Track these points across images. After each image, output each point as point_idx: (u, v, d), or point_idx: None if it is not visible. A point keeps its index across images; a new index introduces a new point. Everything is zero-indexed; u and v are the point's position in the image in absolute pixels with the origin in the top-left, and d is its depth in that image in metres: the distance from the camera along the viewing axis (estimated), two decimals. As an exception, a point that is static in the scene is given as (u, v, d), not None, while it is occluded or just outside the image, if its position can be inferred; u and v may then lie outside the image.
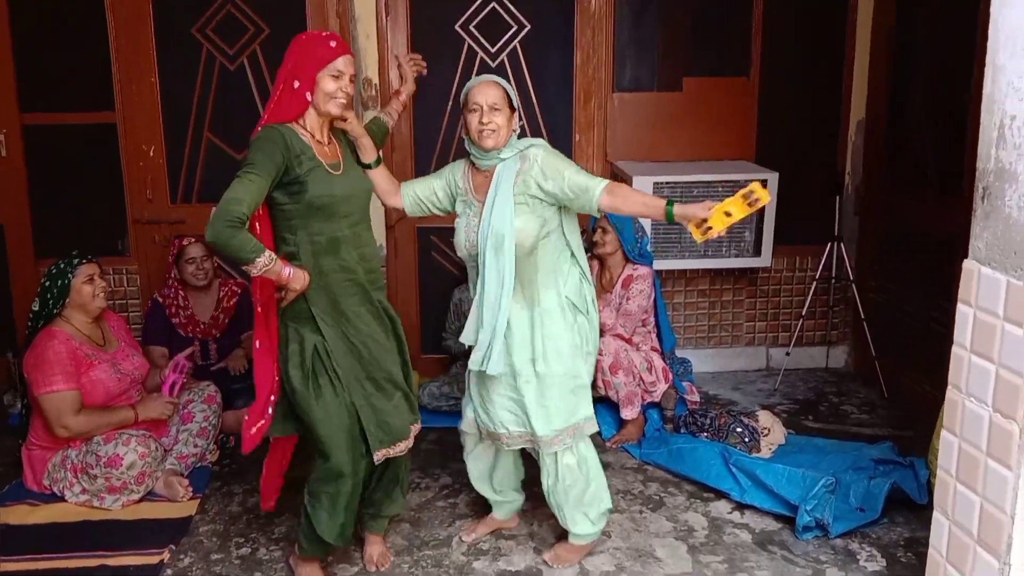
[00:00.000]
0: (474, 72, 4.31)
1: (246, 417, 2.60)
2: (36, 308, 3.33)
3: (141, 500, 3.28)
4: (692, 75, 4.42)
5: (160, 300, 4.01)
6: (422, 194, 2.86)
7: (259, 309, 2.54)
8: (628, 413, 3.79)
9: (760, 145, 4.50)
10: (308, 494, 2.68)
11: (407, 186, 2.87)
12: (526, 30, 4.31)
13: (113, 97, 4.18)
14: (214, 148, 4.30)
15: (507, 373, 2.74)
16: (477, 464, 3.04)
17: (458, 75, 4.32)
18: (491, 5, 4.27)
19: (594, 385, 3.92)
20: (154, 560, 2.91)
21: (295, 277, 2.43)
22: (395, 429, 2.70)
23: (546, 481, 2.86)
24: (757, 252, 4.34)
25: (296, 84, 2.47)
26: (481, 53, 4.32)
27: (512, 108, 2.69)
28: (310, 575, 2.78)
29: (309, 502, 2.67)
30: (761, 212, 4.25)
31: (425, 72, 3.07)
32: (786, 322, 4.72)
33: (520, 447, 2.86)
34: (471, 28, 4.28)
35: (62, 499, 3.29)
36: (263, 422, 2.60)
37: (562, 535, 3.01)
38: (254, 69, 4.23)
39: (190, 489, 3.33)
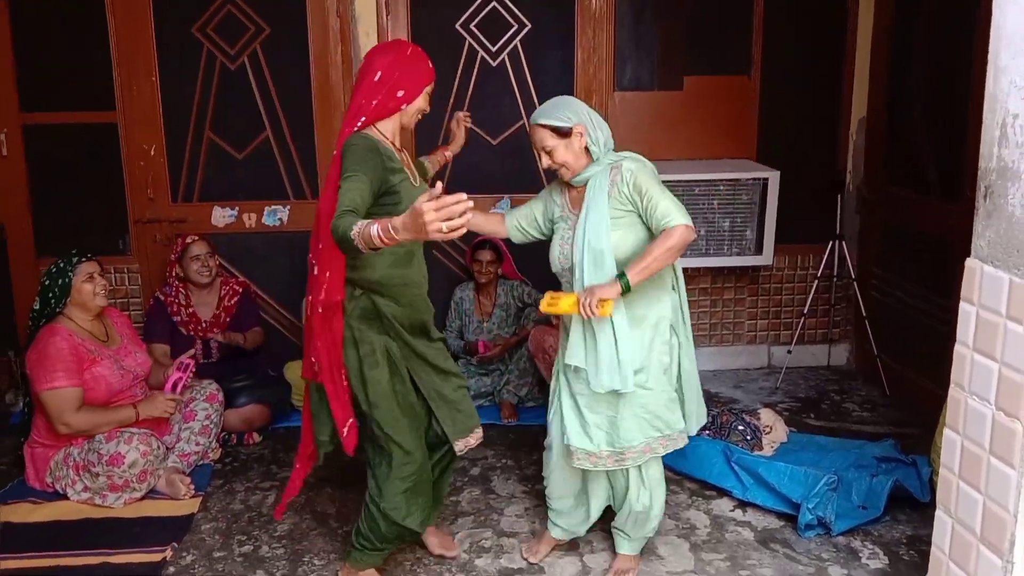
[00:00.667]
0: (475, 72, 4.32)
1: (342, 427, 2.59)
2: (37, 307, 3.33)
3: (143, 498, 3.29)
4: (693, 74, 4.42)
5: (162, 298, 4.02)
6: (524, 222, 2.88)
7: (320, 311, 2.46)
8: None
9: (761, 143, 4.50)
10: (377, 498, 2.64)
11: (510, 216, 2.90)
12: (527, 29, 4.31)
13: (114, 96, 4.18)
14: (215, 147, 4.30)
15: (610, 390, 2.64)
16: (567, 482, 2.91)
17: (458, 75, 4.32)
18: (491, 4, 4.27)
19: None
20: (156, 558, 2.91)
21: (398, 227, 1.98)
22: (469, 418, 2.75)
23: (630, 494, 2.79)
24: (759, 250, 4.34)
25: (401, 93, 2.47)
26: (482, 52, 4.32)
27: (566, 134, 2.61)
28: None
29: (381, 506, 2.62)
30: (763, 210, 4.25)
31: (469, 123, 3.21)
32: (788, 320, 4.73)
33: (606, 468, 2.74)
34: (472, 27, 4.28)
35: (64, 497, 3.29)
36: (352, 419, 2.59)
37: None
38: (255, 69, 4.23)
39: (192, 487, 3.33)
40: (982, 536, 1.97)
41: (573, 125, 2.61)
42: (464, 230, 1.86)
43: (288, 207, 4.38)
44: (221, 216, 4.35)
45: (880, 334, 4.40)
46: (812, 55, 4.48)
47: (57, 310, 3.31)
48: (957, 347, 2.07)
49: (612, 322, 2.58)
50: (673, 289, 2.75)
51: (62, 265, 3.32)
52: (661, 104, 4.38)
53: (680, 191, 4.12)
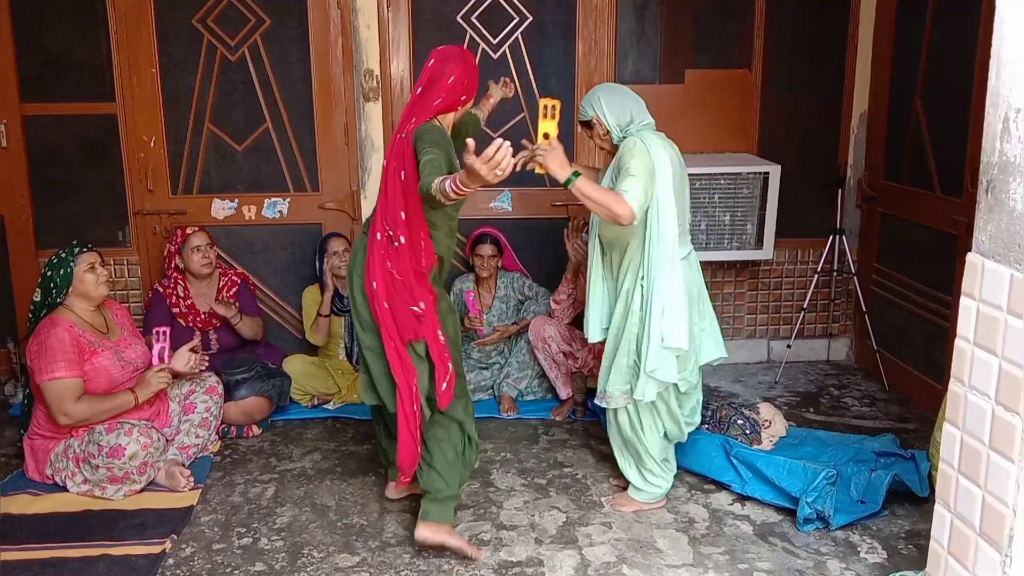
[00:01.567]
0: (476, 63, 4.30)
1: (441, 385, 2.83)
2: (38, 298, 3.33)
3: (143, 490, 3.29)
4: (694, 67, 4.41)
5: (161, 290, 4.02)
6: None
7: (413, 276, 2.78)
8: None
9: (762, 137, 4.49)
10: (438, 461, 2.90)
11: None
12: (528, 21, 4.30)
13: (114, 88, 4.17)
14: (215, 139, 4.29)
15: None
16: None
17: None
18: (493, -4, 4.26)
19: (584, 373, 3.95)
20: (156, 550, 2.92)
21: (465, 177, 2.34)
22: None
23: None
24: (759, 244, 4.34)
25: (464, 97, 2.90)
26: (483, 44, 4.31)
27: (588, 125, 3.11)
28: (451, 536, 2.90)
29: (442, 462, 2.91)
30: (763, 204, 4.24)
31: (511, 95, 3.57)
32: (787, 314, 4.73)
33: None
34: (473, 19, 4.27)
35: (64, 489, 3.29)
36: (450, 374, 2.84)
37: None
38: (255, 60, 4.22)
39: (192, 479, 3.34)
40: (981, 530, 1.98)
41: (591, 117, 3.08)
42: (511, 165, 2.23)
43: (288, 199, 4.37)
44: (221, 208, 4.35)
45: (880, 329, 4.40)
46: (814, 49, 4.47)
47: (58, 300, 3.31)
48: (958, 342, 2.06)
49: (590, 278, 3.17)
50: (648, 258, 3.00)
51: (63, 255, 3.31)
52: (662, 97, 4.37)
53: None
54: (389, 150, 2.84)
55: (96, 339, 3.32)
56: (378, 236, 2.78)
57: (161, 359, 3.39)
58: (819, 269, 4.51)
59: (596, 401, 3.20)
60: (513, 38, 4.31)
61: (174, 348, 3.49)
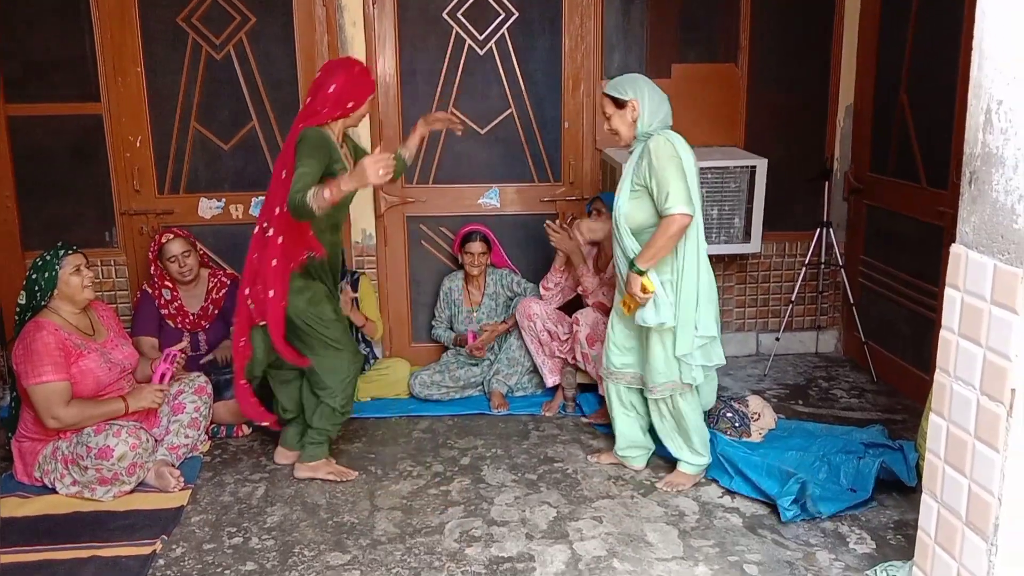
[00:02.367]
0: (462, 60, 4.30)
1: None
2: (23, 301, 3.31)
3: (133, 491, 3.28)
4: (681, 62, 4.42)
5: (149, 291, 3.99)
6: None
7: (277, 264, 3.12)
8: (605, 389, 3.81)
9: (749, 131, 4.51)
10: (328, 398, 3.37)
11: None
12: (514, 17, 4.30)
13: (99, 88, 4.15)
14: (201, 138, 4.28)
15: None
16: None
17: (446, 63, 4.31)
18: (479, -8, 4.26)
19: (571, 362, 3.96)
20: (146, 551, 2.91)
21: (344, 181, 2.87)
22: None
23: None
24: (747, 238, 4.34)
25: (350, 104, 3.15)
26: (469, 40, 4.30)
27: (620, 104, 3.05)
28: (323, 467, 3.45)
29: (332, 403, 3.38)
30: (751, 198, 4.25)
31: (459, 131, 3.73)
32: (776, 307, 4.74)
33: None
34: (459, 15, 4.27)
35: (53, 491, 3.28)
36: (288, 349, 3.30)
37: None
38: (240, 58, 4.21)
39: (182, 479, 3.33)
40: (967, 520, 1.99)
41: (629, 99, 3.03)
42: (390, 175, 2.81)
43: (275, 198, 4.36)
44: (208, 207, 4.33)
45: (867, 321, 4.42)
46: (799, 43, 4.49)
47: (42, 303, 3.29)
48: (942, 332, 2.07)
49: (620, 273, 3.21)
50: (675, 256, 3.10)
51: (48, 258, 3.29)
52: (649, 92, 4.37)
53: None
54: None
55: (82, 341, 3.31)
56: (255, 229, 3.19)
57: (162, 379, 3.40)
58: (807, 262, 4.53)
59: (648, 395, 3.30)
60: (499, 34, 4.31)
61: (163, 347, 3.48)
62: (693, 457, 3.33)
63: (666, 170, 2.93)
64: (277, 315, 3.16)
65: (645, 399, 3.35)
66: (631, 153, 3.16)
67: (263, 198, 4.27)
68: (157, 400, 3.39)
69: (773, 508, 3.15)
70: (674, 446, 3.35)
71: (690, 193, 2.98)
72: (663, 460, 3.54)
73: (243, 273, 3.28)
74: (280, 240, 3.10)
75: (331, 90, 3.09)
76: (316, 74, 3.19)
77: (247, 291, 3.22)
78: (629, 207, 3.08)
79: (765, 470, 3.20)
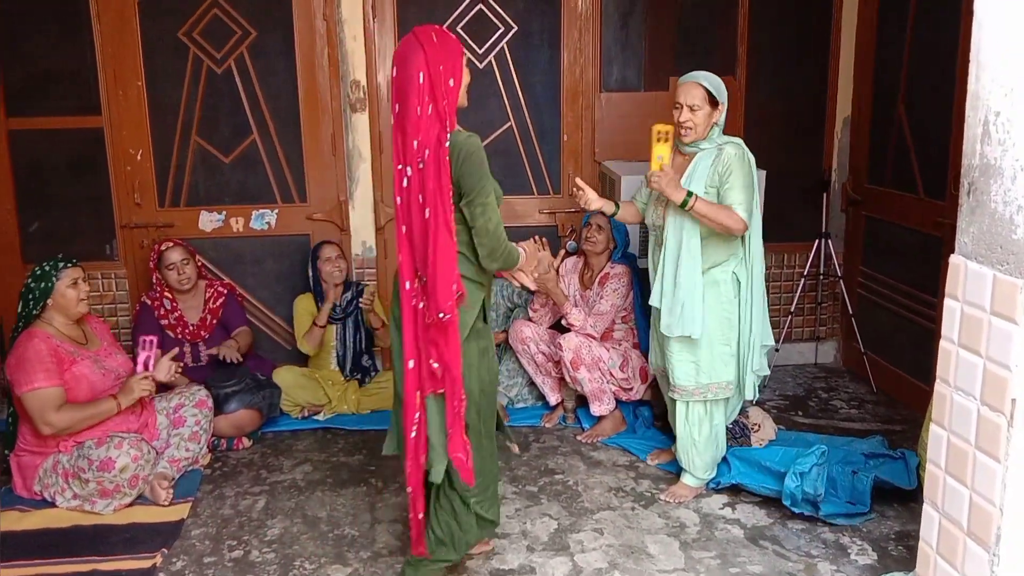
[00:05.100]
0: (462, 73, 4.31)
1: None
2: (19, 310, 3.32)
3: (132, 504, 3.27)
4: (679, 74, 4.41)
5: (148, 303, 4.00)
6: (641, 198, 3.44)
7: (445, 316, 2.38)
8: (596, 408, 3.81)
9: (747, 143, 4.46)
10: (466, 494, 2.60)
11: (636, 199, 3.47)
12: (513, 31, 4.32)
13: (100, 101, 4.16)
14: (202, 152, 4.29)
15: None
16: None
17: (446, 76, 4.32)
18: (478, 6, 4.28)
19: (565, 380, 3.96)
20: (146, 564, 2.90)
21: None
22: None
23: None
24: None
25: (451, 82, 2.37)
26: (468, 54, 4.32)
27: (715, 104, 3.09)
28: None
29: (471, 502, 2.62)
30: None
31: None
32: (775, 318, 4.72)
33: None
34: (458, 29, 4.29)
35: (53, 505, 3.27)
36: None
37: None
38: (241, 72, 4.23)
39: (171, 493, 3.31)
40: (969, 530, 1.99)
41: (723, 101, 3.12)
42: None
43: (276, 211, 4.37)
44: (208, 221, 4.34)
45: (866, 331, 4.42)
46: (797, 55, 4.51)
47: (35, 312, 3.29)
48: (942, 343, 2.08)
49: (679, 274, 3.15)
50: (743, 258, 3.22)
51: (47, 268, 3.30)
52: (647, 105, 4.40)
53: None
54: (403, 186, 2.41)
55: (75, 349, 3.31)
56: (406, 286, 2.45)
57: (146, 367, 3.39)
58: (806, 273, 4.54)
59: (672, 396, 3.33)
60: (499, 48, 4.33)
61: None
62: (704, 472, 3.34)
63: (743, 179, 3.07)
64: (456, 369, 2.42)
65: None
66: (683, 156, 3.20)
67: (264, 211, 4.34)
68: (146, 388, 3.36)
69: (775, 519, 3.15)
70: (687, 457, 3.34)
71: (752, 208, 3.13)
72: (664, 472, 3.54)
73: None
74: (455, 277, 2.41)
75: (421, 79, 2.33)
76: (392, 72, 2.42)
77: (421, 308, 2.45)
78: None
79: (780, 454, 3.30)
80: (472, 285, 2.52)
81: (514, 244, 2.59)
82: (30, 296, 3.29)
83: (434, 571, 2.68)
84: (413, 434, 2.49)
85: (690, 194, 3.02)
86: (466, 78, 2.44)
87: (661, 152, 3.05)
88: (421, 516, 2.57)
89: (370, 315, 4.18)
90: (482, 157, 2.40)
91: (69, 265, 3.33)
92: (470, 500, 2.60)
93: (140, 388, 3.34)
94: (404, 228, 2.43)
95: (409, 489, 2.55)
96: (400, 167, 2.40)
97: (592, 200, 3.26)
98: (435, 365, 2.41)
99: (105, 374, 3.36)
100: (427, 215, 2.35)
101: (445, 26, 4.25)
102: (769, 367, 4.50)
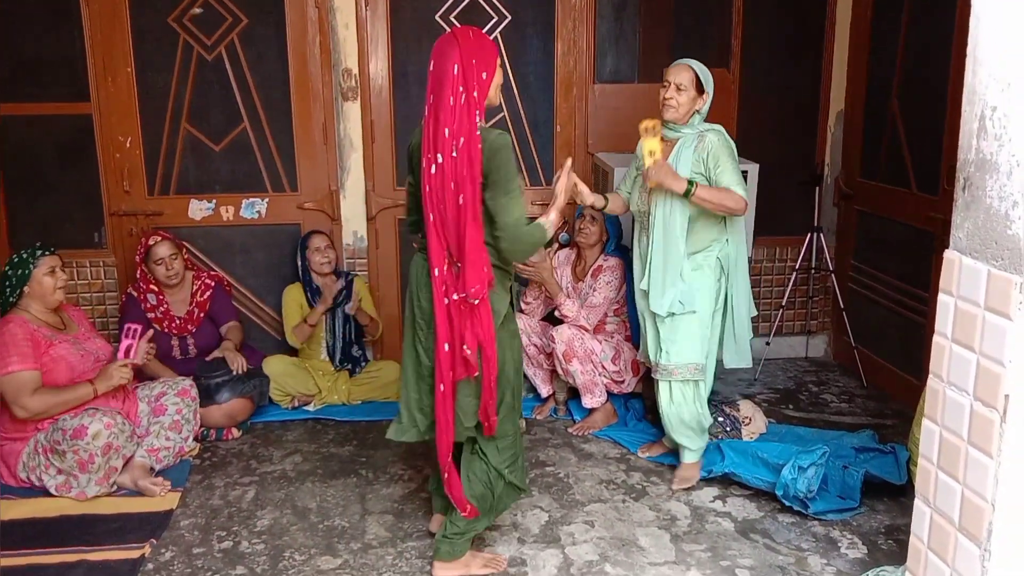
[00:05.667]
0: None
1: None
2: None
3: (117, 493, 3.25)
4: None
5: (135, 294, 3.96)
6: (629, 186, 3.45)
7: (476, 301, 2.50)
8: (588, 401, 3.81)
9: (740, 136, 4.48)
10: (502, 468, 2.73)
11: (621, 189, 3.49)
12: (507, 20, 4.29)
13: (89, 88, 4.12)
14: (192, 139, 4.25)
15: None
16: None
17: (438, 66, 4.29)
18: (472, -5, 4.25)
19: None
20: (135, 554, 2.89)
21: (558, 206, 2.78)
22: None
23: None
24: (738, 243, 4.34)
25: (484, 75, 2.51)
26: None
27: (700, 91, 3.15)
28: (468, 567, 2.81)
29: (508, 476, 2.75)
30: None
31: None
32: (766, 312, 4.75)
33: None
34: (451, 18, 4.26)
35: (40, 493, 3.25)
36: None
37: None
38: (232, 60, 4.19)
39: (167, 484, 3.30)
40: (960, 525, 1.99)
41: (708, 90, 3.18)
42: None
43: (267, 200, 4.34)
44: (198, 209, 4.31)
45: (857, 326, 4.43)
46: (791, 48, 4.50)
47: (11, 299, 3.29)
48: (936, 338, 2.08)
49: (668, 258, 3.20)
50: (727, 242, 3.28)
51: (25, 256, 3.31)
52: (641, 97, 4.38)
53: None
54: (431, 173, 2.49)
55: (52, 333, 3.32)
56: (436, 272, 2.52)
57: (127, 354, 3.37)
58: (797, 267, 4.54)
59: (655, 376, 3.37)
60: (493, 37, 4.30)
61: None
62: (696, 443, 3.39)
63: (732, 162, 3.14)
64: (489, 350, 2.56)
65: None
66: (668, 142, 3.23)
67: (254, 200, 4.31)
68: (125, 376, 3.34)
69: (766, 512, 3.15)
70: (685, 438, 3.38)
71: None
72: (655, 465, 3.54)
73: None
74: (487, 265, 2.53)
75: (456, 71, 2.45)
76: (430, 67, 2.52)
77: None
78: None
79: (779, 449, 3.33)
80: (499, 273, 2.62)
81: (538, 226, 2.64)
82: (7, 283, 3.28)
83: (467, 541, 2.79)
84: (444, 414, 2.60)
85: (691, 183, 3.06)
86: (499, 77, 2.59)
87: (652, 147, 3.10)
88: (455, 488, 2.68)
89: (359, 312, 4.17)
90: (510, 154, 2.52)
91: (47, 253, 3.33)
92: (503, 470, 2.73)
93: (119, 375, 3.32)
94: (432, 216, 2.52)
95: (444, 472, 2.66)
96: (430, 155, 2.49)
97: (585, 195, 3.26)
98: (468, 352, 2.51)
99: (84, 355, 3.35)
100: (460, 201, 2.46)
101: (438, 15, 4.23)
102: (756, 361, 4.53)
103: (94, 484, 3.23)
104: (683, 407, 3.33)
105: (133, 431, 3.38)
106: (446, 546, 2.76)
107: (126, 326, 3.45)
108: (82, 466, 3.20)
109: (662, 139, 3.20)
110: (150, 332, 3.54)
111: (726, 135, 3.23)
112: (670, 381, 3.33)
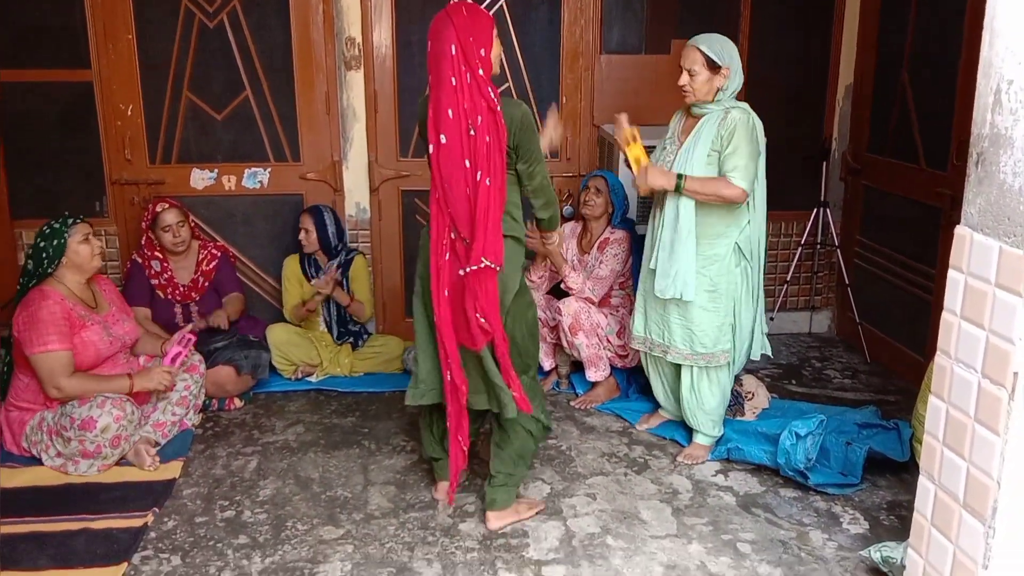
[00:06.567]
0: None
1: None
2: (30, 267, 3.27)
3: (117, 464, 3.26)
4: (680, 37, 4.34)
5: (139, 261, 3.95)
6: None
7: (487, 267, 2.59)
8: (592, 374, 3.80)
9: (747, 109, 4.46)
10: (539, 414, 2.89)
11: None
12: (513, -11, 4.24)
13: (90, 55, 4.07)
14: (193, 107, 4.21)
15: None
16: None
17: (443, 35, 4.24)
18: (477, -37, 4.19)
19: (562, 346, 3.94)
20: (138, 523, 2.89)
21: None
22: None
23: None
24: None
25: (482, 51, 2.55)
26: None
27: (714, 68, 3.03)
28: (518, 514, 2.95)
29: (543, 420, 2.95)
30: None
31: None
32: (770, 287, 4.72)
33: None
34: (456, -13, 4.20)
35: (41, 462, 3.25)
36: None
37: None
38: (234, 27, 4.14)
39: (157, 459, 3.28)
40: (965, 502, 1.99)
41: (724, 65, 3.04)
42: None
43: (269, 169, 4.31)
44: (200, 178, 4.28)
45: (862, 301, 4.42)
46: (800, 21, 4.44)
47: (49, 271, 3.26)
48: (944, 314, 2.06)
49: (677, 240, 3.13)
50: (748, 224, 3.19)
51: (57, 226, 3.27)
52: (648, 68, 4.33)
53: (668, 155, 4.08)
54: (448, 150, 2.54)
55: (86, 313, 3.28)
56: (446, 252, 2.64)
57: (173, 362, 3.39)
58: (803, 242, 4.51)
59: (675, 361, 3.33)
60: (498, 5, 4.24)
61: (155, 320, 3.43)
62: (714, 430, 3.37)
63: (747, 146, 3.03)
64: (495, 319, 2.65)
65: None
66: (692, 119, 3.18)
67: (256, 170, 4.28)
68: (165, 382, 3.35)
69: (767, 487, 3.15)
70: (699, 421, 3.36)
71: (755, 177, 3.10)
72: (656, 438, 3.54)
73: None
74: (498, 234, 2.61)
75: (453, 51, 2.50)
76: (428, 45, 2.58)
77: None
78: (705, 174, 3.08)
79: (779, 424, 3.31)
80: (516, 244, 2.72)
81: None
82: (43, 255, 3.25)
83: (515, 488, 2.94)
84: (448, 377, 2.72)
85: (680, 176, 3.05)
86: (496, 49, 2.62)
87: (636, 154, 3.12)
88: (466, 448, 2.82)
89: (337, 292, 4.09)
90: (532, 121, 2.62)
91: (78, 221, 3.31)
92: (540, 415, 2.90)
93: (159, 379, 3.33)
94: (439, 193, 2.60)
95: (459, 434, 2.78)
96: (433, 136, 2.57)
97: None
98: (482, 320, 2.59)
99: (112, 341, 3.35)
100: (478, 177, 2.52)
101: (443, -17, 4.17)
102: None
103: (96, 470, 3.22)
104: (704, 395, 3.32)
105: (141, 416, 3.38)
106: (502, 494, 2.87)
107: (183, 335, 3.45)
108: (86, 455, 3.19)
109: (688, 115, 3.19)
110: (191, 325, 3.62)
111: (752, 115, 3.11)
112: (692, 367, 3.31)
